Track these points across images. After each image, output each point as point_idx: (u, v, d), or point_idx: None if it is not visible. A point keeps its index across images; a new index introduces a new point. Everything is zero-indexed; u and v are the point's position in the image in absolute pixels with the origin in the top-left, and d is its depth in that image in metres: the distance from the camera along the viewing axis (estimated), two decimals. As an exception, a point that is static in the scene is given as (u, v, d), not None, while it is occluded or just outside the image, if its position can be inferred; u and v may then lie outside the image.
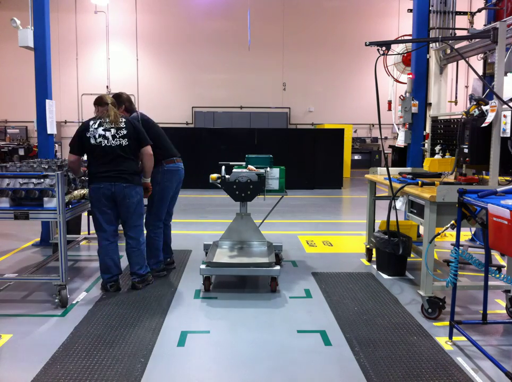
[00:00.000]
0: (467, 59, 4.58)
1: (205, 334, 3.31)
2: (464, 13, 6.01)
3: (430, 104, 5.76)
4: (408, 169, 5.09)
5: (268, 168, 4.65)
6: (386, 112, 7.18)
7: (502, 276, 3.00)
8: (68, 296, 3.88)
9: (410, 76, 5.82)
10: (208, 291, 4.14)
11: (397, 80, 7.38)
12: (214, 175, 4.46)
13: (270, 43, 16.94)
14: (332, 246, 5.81)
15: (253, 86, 17.24)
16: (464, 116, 3.89)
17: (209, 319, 3.59)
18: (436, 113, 5.60)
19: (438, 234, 3.37)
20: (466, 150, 3.83)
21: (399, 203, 4.08)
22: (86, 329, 3.34)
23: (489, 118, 3.58)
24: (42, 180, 3.73)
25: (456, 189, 3.08)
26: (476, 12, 6.04)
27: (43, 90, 5.59)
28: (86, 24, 16.73)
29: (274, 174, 4.66)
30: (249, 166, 4.61)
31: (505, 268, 3.83)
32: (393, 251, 4.42)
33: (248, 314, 3.66)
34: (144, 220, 4.32)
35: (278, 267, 4.12)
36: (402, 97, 5.74)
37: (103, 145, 3.89)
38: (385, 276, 4.60)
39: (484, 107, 3.73)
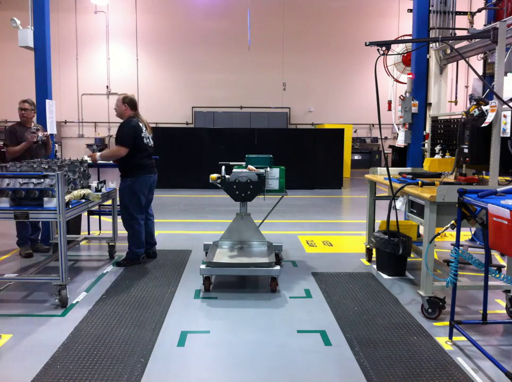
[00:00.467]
0: (467, 59, 4.58)
1: (205, 334, 3.31)
2: (465, 13, 6.01)
3: (430, 104, 5.75)
4: (408, 169, 5.09)
5: (268, 168, 4.65)
6: (386, 112, 7.17)
7: (502, 276, 3.00)
8: (68, 296, 3.88)
9: (410, 76, 5.82)
10: (208, 291, 4.14)
11: (397, 80, 7.38)
12: (214, 175, 4.46)
13: (270, 43, 16.95)
14: (332, 246, 5.81)
15: (253, 86, 17.25)
16: (464, 116, 3.89)
17: (209, 319, 3.59)
18: (436, 113, 5.60)
19: (438, 234, 3.37)
20: (466, 150, 3.83)
21: (399, 203, 4.08)
22: (86, 329, 3.34)
23: (489, 118, 3.59)
24: (42, 180, 3.74)
25: (456, 189, 3.08)
26: (476, 12, 6.03)
27: (43, 90, 5.60)
28: (86, 24, 16.73)
29: (274, 174, 4.66)
30: (249, 166, 4.61)
31: (505, 268, 3.83)
32: (393, 251, 4.42)
33: (248, 314, 3.66)
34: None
35: (278, 267, 4.12)
36: (402, 97, 5.74)
37: (149, 144, 4.87)
38: (385, 276, 4.60)
39: (484, 107, 3.73)
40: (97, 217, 6.44)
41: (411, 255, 4.76)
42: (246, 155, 4.82)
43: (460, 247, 3.11)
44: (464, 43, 5.20)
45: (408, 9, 6.42)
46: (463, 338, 3.15)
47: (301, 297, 4.05)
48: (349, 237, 6.32)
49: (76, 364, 2.85)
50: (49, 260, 4.61)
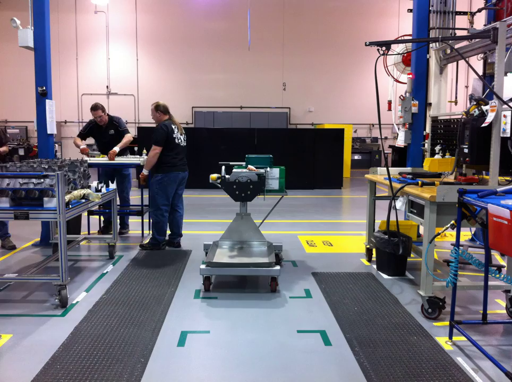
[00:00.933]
0: (467, 59, 4.58)
1: (205, 334, 3.31)
2: (464, 13, 6.00)
3: (430, 104, 5.75)
4: (408, 169, 5.09)
5: (268, 168, 4.65)
6: (386, 112, 7.17)
7: (502, 276, 3.00)
8: (68, 296, 3.88)
9: (410, 76, 5.81)
10: (208, 291, 4.14)
11: (397, 80, 7.38)
12: (214, 175, 4.46)
13: (270, 43, 16.94)
14: (332, 246, 5.81)
15: (253, 86, 17.24)
16: (464, 116, 3.89)
17: (209, 319, 3.59)
18: (436, 113, 5.60)
19: (438, 234, 3.37)
20: (466, 150, 3.83)
21: (399, 203, 4.08)
22: (86, 329, 3.34)
23: (489, 118, 3.59)
24: (42, 180, 3.74)
25: (456, 189, 3.08)
26: (476, 12, 6.03)
27: (43, 90, 5.59)
28: (86, 24, 16.73)
29: (274, 174, 4.66)
30: (249, 166, 4.61)
31: (505, 268, 3.83)
32: (393, 251, 4.42)
33: (248, 314, 3.66)
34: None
35: (278, 267, 4.12)
36: (402, 97, 5.74)
37: (181, 144, 5.45)
38: (385, 276, 4.60)
39: (484, 107, 3.73)
40: (97, 217, 6.44)
41: (411, 255, 4.76)
42: (246, 155, 4.82)
43: (460, 247, 3.11)
44: (465, 43, 5.19)
45: (408, 9, 6.42)
46: (463, 338, 3.15)
47: (301, 297, 4.05)
48: (349, 237, 6.32)
49: (76, 364, 2.85)
50: (49, 260, 4.61)
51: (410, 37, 6.30)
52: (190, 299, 3.98)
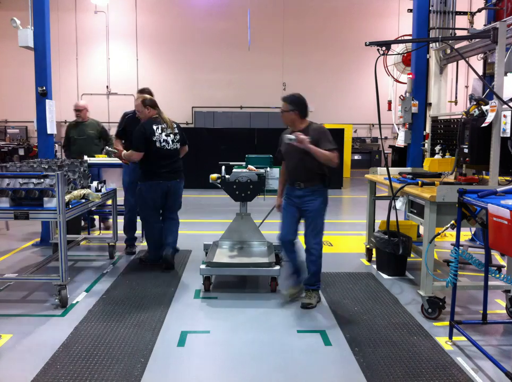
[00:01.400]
0: (467, 59, 4.58)
1: (205, 334, 3.31)
2: (464, 13, 6.00)
3: (430, 104, 5.75)
4: (408, 169, 5.08)
5: (268, 168, 4.65)
6: (386, 112, 7.18)
7: (502, 276, 3.00)
8: (68, 296, 3.88)
9: (410, 76, 5.81)
10: (208, 291, 4.14)
11: (397, 80, 7.38)
12: (214, 175, 4.46)
13: (270, 43, 16.93)
14: (332, 246, 5.81)
15: (253, 86, 17.23)
16: (464, 116, 3.88)
17: (209, 319, 3.59)
18: (436, 113, 5.60)
19: (438, 234, 3.37)
20: (466, 150, 3.83)
21: (399, 203, 4.08)
22: (86, 329, 3.34)
23: (489, 118, 3.59)
24: (42, 180, 3.74)
25: (456, 189, 3.08)
26: (476, 12, 6.03)
27: (43, 90, 5.59)
28: (86, 24, 16.72)
29: (274, 174, 4.66)
30: (249, 166, 4.61)
31: (505, 268, 3.83)
32: (393, 251, 4.42)
33: (248, 314, 3.66)
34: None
35: (278, 267, 4.12)
36: (402, 97, 5.74)
37: (165, 148, 4.59)
38: (385, 276, 4.60)
39: (484, 107, 3.73)
40: (97, 217, 6.45)
41: (411, 255, 4.75)
42: (246, 155, 4.82)
43: (460, 247, 3.11)
44: (465, 43, 5.19)
45: (408, 9, 6.42)
46: (463, 338, 3.15)
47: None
48: (349, 237, 6.32)
49: (76, 364, 2.85)
50: (49, 260, 4.61)
51: (410, 37, 6.30)
52: (190, 299, 3.98)
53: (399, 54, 6.91)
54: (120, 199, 5.38)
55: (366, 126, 17.80)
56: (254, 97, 17.30)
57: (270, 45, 16.96)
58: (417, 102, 5.72)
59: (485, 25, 5.71)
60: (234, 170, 4.53)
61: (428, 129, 4.93)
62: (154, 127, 4.53)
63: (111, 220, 5.92)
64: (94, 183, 4.60)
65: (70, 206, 3.90)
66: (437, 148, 4.42)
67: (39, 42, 5.45)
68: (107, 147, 5.70)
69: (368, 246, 5.13)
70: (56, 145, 14.55)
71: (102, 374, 2.74)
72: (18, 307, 3.77)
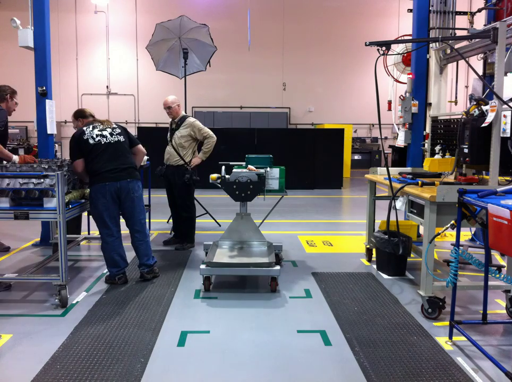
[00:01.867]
0: (467, 59, 4.58)
1: (205, 334, 3.31)
2: (464, 13, 6.00)
3: (430, 104, 5.75)
4: (408, 169, 5.08)
5: (268, 168, 4.65)
6: (386, 112, 7.17)
7: (502, 276, 3.00)
8: (68, 296, 3.88)
9: (410, 76, 5.81)
10: (209, 291, 4.14)
11: (397, 80, 7.38)
12: (214, 175, 4.46)
13: (270, 43, 16.93)
14: (332, 246, 5.81)
15: (253, 86, 17.23)
16: (464, 116, 3.88)
17: (209, 319, 3.58)
18: (436, 113, 5.60)
19: (438, 234, 3.37)
20: (466, 150, 3.83)
21: (399, 203, 4.08)
22: (86, 329, 3.34)
23: (489, 118, 3.58)
24: (42, 180, 3.73)
25: (456, 189, 3.08)
26: (476, 12, 6.03)
27: (43, 90, 5.59)
28: (86, 24, 16.72)
29: (274, 174, 4.66)
30: (249, 166, 4.61)
31: (505, 268, 3.83)
32: (393, 251, 4.42)
33: (248, 314, 3.65)
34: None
35: (278, 267, 4.12)
36: (402, 97, 5.74)
37: (103, 142, 4.08)
38: (385, 276, 4.60)
39: (484, 107, 3.73)
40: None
41: (411, 255, 4.75)
42: (246, 155, 4.82)
43: (460, 247, 3.11)
44: (465, 43, 5.19)
45: (408, 9, 6.42)
46: (463, 338, 3.15)
47: (301, 297, 4.04)
48: (349, 237, 6.32)
49: (76, 364, 2.85)
50: (49, 260, 4.61)
51: (410, 37, 6.30)
52: (190, 299, 3.98)
53: (399, 54, 6.91)
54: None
55: (366, 126, 17.80)
56: (254, 97, 17.30)
57: (270, 45, 16.96)
58: (417, 102, 5.72)
59: (485, 25, 5.71)
60: (234, 170, 4.53)
61: (428, 129, 4.93)
62: (84, 128, 4.13)
63: None
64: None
65: (70, 206, 3.90)
66: (437, 148, 4.42)
67: (39, 42, 5.45)
68: None
69: (368, 246, 5.13)
70: (56, 145, 14.57)
71: (102, 374, 2.74)
72: (18, 307, 3.77)
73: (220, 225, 6.76)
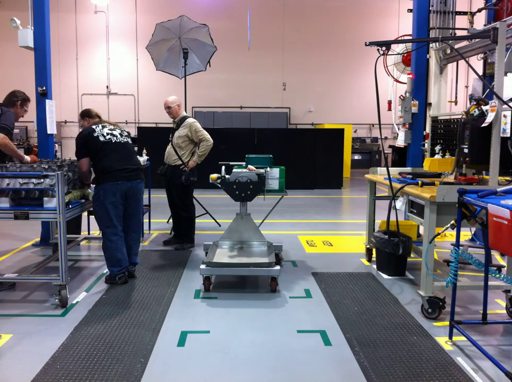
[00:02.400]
0: (467, 59, 4.58)
1: (205, 334, 3.31)
2: (464, 13, 6.00)
3: (430, 104, 5.75)
4: (408, 169, 5.08)
5: (268, 168, 4.65)
6: (386, 112, 7.17)
7: (502, 276, 3.00)
8: (68, 296, 3.88)
9: (410, 76, 5.81)
10: (209, 291, 4.14)
11: (397, 80, 7.38)
12: (214, 175, 4.46)
13: (270, 43, 16.93)
14: (332, 246, 5.81)
15: (253, 86, 17.23)
16: (464, 116, 3.88)
17: (209, 319, 3.58)
18: (436, 113, 5.60)
19: (438, 234, 3.37)
20: (466, 150, 3.83)
21: (399, 203, 4.08)
22: (86, 329, 3.34)
23: (489, 118, 3.58)
24: (42, 180, 3.73)
25: (456, 189, 3.08)
26: (476, 12, 6.03)
27: (43, 90, 5.59)
28: (86, 24, 16.72)
29: (274, 174, 4.66)
30: (249, 166, 4.61)
31: (505, 268, 3.83)
32: (393, 251, 4.42)
33: (248, 314, 3.65)
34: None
35: (278, 267, 4.12)
36: (402, 97, 5.74)
37: (113, 141, 4.17)
38: (385, 276, 4.60)
39: (484, 107, 3.73)
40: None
41: (411, 255, 4.75)
42: (246, 155, 4.82)
43: (460, 247, 3.11)
44: (465, 43, 5.20)
45: (408, 9, 6.42)
46: (463, 338, 3.15)
47: (301, 297, 4.04)
48: (349, 237, 6.32)
49: (76, 364, 2.85)
50: (49, 260, 4.61)
51: (410, 37, 6.30)
52: (190, 299, 3.98)
53: (399, 54, 6.91)
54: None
55: (366, 126, 17.80)
56: (254, 97, 17.30)
57: (270, 45, 16.96)
58: (417, 102, 5.72)
59: (485, 25, 5.71)
60: (234, 170, 4.53)
61: (428, 129, 4.93)
62: (94, 126, 4.17)
63: None
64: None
65: (70, 206, 3.90)
66: (437, 148, 4.42)
67: (39, 42, 5.45)
68: None
69: (368, 246, 5.13)
70: (56, 145, 14.57)
71: (102, 374, 2.74)
72: (18, 307, 3.77)
73: (220, 225, 6.76)
